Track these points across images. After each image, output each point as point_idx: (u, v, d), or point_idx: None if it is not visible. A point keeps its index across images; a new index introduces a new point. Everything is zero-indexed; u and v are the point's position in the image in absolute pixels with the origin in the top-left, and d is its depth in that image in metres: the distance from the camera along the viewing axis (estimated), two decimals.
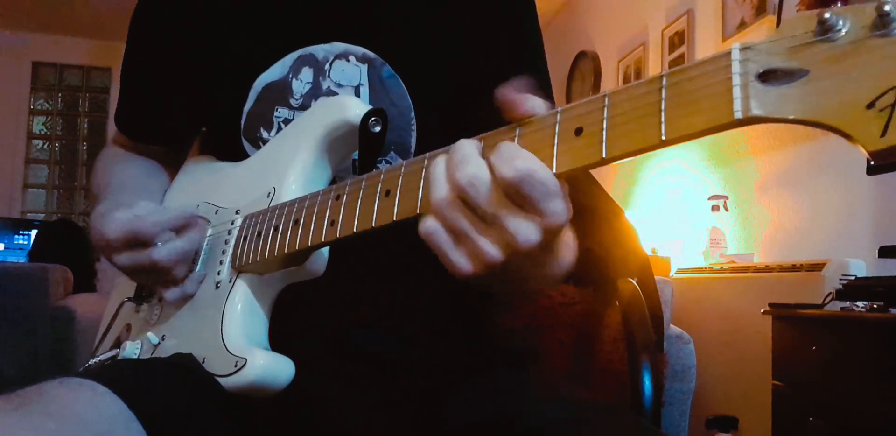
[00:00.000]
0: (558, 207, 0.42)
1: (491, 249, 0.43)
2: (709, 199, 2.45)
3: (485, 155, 0.44)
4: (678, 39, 2.88)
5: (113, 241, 0.67)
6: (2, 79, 4.68)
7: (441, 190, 0.44)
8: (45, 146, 4.86)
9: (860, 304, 1.42)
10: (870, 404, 1.32)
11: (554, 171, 0.42)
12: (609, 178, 3.37)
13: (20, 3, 4.21)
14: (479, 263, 0.44)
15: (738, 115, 0.34)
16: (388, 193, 0.52)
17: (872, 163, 0.32)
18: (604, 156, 0.40)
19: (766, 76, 0.34)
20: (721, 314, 2.09)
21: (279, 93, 0.73)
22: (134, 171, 0.85)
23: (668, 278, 2.05)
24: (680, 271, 2.45)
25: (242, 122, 0.74)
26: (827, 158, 2.02)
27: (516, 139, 0.45)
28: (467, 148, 0.44)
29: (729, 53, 0.36)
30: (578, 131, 0.42)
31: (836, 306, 1.50)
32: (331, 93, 0.73)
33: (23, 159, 4.75)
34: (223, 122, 0.76)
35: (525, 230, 0.42)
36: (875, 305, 1.39)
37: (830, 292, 1.54)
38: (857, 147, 0.32)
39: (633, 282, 1.23)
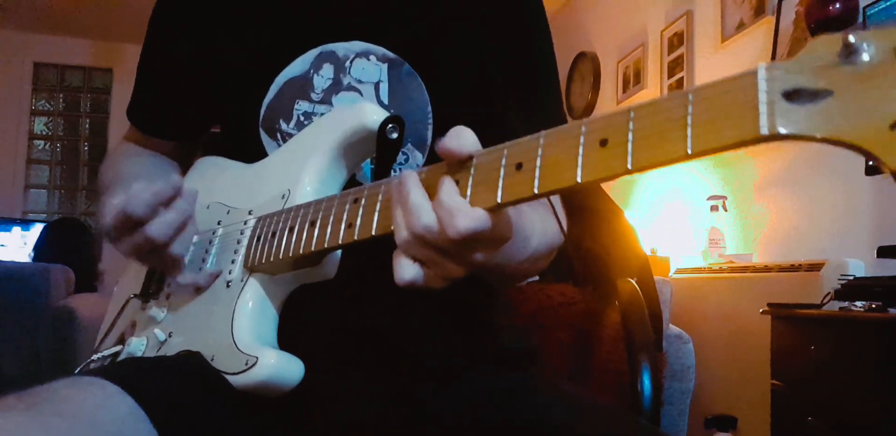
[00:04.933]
0: (496, 238, 0.50)
1: (455, 269, 0.51)
2: (708, 199, 2.46)
3: (431, 198, 0.49)
4: (677, 40, 2.89)
5: (108, 227, 0.67)
6: (3, 79, 4.68)
7: (403, 234, 0.50)
8: (47, 147, 4.86)
9: (859, 304, 1.43)
10: (868, 404, 1.33)
11: (579, 180, 0.43)
12: None
13: (21, 3, 4.21)
14: (448, 279, 0.52)
15: (765, 131, 0.35)
16: None
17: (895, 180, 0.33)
18: (629, 167, 0.41)
19: (792, 95, 0.35)
20: (720, 314, 2.09)
21: (300, 87, 0.75)
22: (143, 164, 0.86)
23: (667, 278, 2.06)
24: (679, 271, 2.45)
25: (262, 113, 0.76)
26: (825, 158, 2.03)
27: (540, 149, 0.46)
28: (416, 196, 0.50)
29: (755, 72, 0.36)
30: (604, 142, 0.42)
31: (834, 306, 1.51)
32: (351, 88, 0.74)
33: (24, 160, 4.75)
34: (242, 114, 0.77)
35: (478, 255, 0.50)
36: (873, 305, 1.39)
37: (829, 292, 1.54)
38: (882, 168, 0.33)
39: (633, 282, 1.24)
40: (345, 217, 0.58)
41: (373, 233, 0.55)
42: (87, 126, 4.91)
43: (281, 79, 0.75)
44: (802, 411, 1.49)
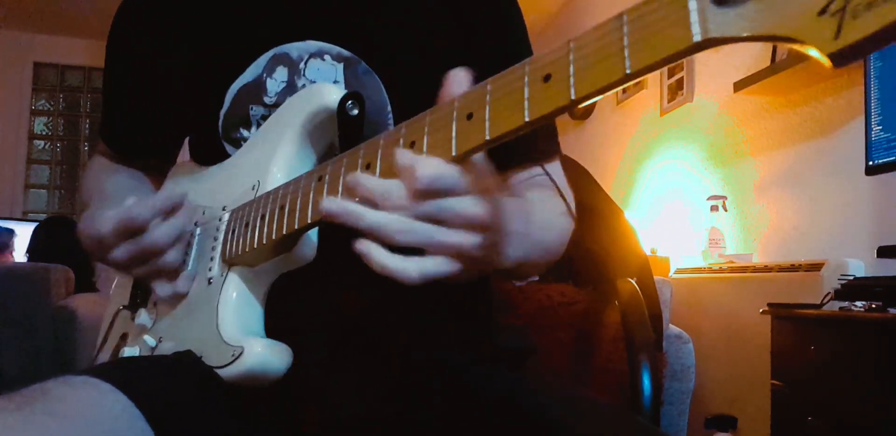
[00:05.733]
0: (474, 184, 0.47)
1: (457, 237, 0.47)
2: (708, 199, 2.45)
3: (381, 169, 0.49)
4: None
5: (106, 235, 0.67)
6: (3, 79, 4.69)
7: (376, 220, 0.47)
8: (47, 146, 4.87)
9: (859, 304, 1.42)
10: (868, 404, 1.33)
11: (527, 119, 0.43)
12: (609, 178, 3.37)
13: (21, 3, 4.21)
14: (459, 255, 0.48)
15: (697, 38, 0.36)
16: (368, 166, 0.53)
17: (833, 66, 0.33)
18: (573, 97, 0.41)
19: (722, 0, 0.35)
20: (720, 314, 2.09)
21: (253, 92, 0.74)
22: (121, 182, 0.87)
23: (667, 278, 2.06)
24: (679, 271, 2.45)
25: (220, 126, 0.75)
26: (826, 158, 2.03)
27: (488, 96, 0.46)
28: (370, 184, 0.48)
29: None
30: (547, 78, 0.43)
31: (834, 306, 1.51)
32: None
33: (24, 160, 4.76)
34: (202, 128, 0.76)
35: (471, 211, 0.47)
36: (873, 305, 1.39)
37: (829, 292, 1.54)
38: (812, 53, 0.32)
39: (633, 282, 1.24)
40: (311, 196, 0.58)
41: None
42: (87, 126, 4.91)
43: (235, 87, 0.74)
44: (802, 411, 1.49)
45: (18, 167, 4.72)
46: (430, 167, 0.45)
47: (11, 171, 4.68)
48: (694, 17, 0.36)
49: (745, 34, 0.34)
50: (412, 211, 0.46)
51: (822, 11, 0.31)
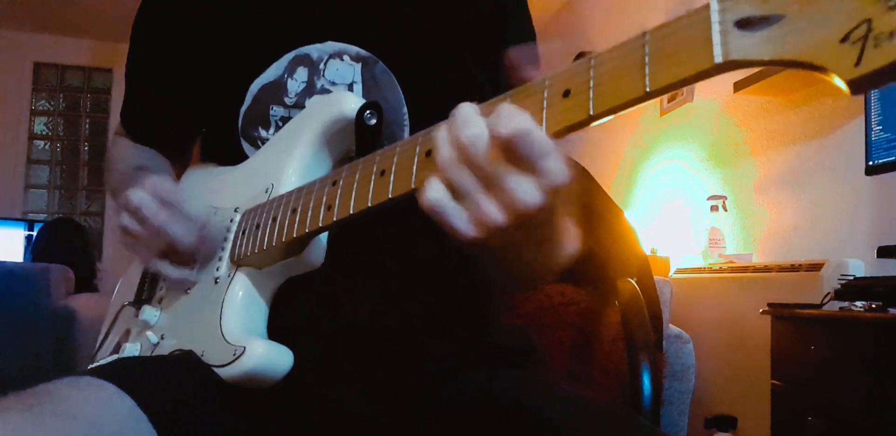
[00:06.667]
0: (554, 165, 0.43)
1: (494, 211, 0.44)
2: (708, 199, 2.45)
3: (484, 116, 0.45)
4: None
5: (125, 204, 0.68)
6: (3, 79, 4.68)
7: (444, 150, 0.45)
8: (47, 147, 4.86)
9: (859, 304, 1.43)
10: (868, 404, 1.33)
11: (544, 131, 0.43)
12: (609, 178, 3.37)
13: (21, 3, 4.21)
14: (482, 226, 0.45)
15: (719, 59, 0.36)
16: (383, 172, 0.53)
17: (851, 93, 0.33)
18: (591, 113, 0.42)
19: (744, 23, 0.36)
20: (720, 314, 2.09)
21: (274, 92, 0.75)
22: (159, 162, 0.89)
23: (667, 278, 2.06)
24: (679, 271, 2.45)
25: (240, 123, 0.76)
26: (826, 158, 2.03)
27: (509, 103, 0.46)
28: (468, 110, 0.46)
29: (708, 5, 0.37)
30: (566, 93, 0.43)
31: (834, 306, 1.51)
32: (324, 91, 0.74)
33: (24, 160, 4.76)
34: (221, 124, 0.77)
35: (525, 189, 0.43)
36: (873, 305, 1.39)
37: (829, 292, 1.54)
38: (833, 80, 0.33)
39: (633, 282, 1.24)
40: (324, 200, 0.58)
41: (351, 211, 0.54)
42: (87, 126, 4.91)
43: (255, 86, 0.75)
44: (802, 411, 1.49)
45: (18, 167, 4.72)
46: (525, 122, 0.43)
47: (11, 171, 4.68)
48: (717, 39, 0.36)
49: (766, 58, 0.35)
50: (476, 162, 0.44)
51: (844, 39, 0.32)
